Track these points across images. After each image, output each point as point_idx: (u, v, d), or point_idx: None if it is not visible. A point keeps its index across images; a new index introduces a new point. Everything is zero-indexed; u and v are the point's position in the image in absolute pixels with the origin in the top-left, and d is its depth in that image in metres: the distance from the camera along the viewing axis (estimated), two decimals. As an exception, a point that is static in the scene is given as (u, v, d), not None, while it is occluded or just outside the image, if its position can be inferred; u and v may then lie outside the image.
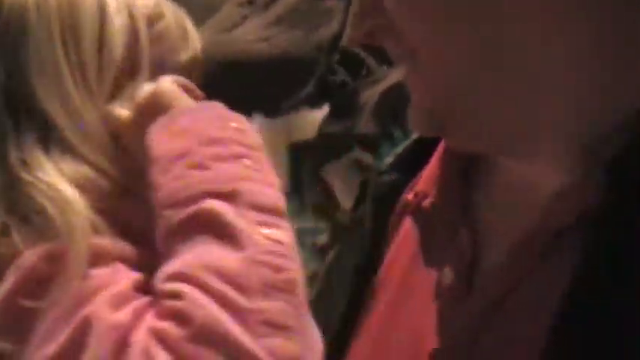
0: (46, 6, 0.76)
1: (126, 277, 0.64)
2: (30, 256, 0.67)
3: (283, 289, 0.60)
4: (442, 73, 0.55)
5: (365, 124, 2.87)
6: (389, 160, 0.72)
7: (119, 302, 0.64)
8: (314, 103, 3.11)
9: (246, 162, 0.63)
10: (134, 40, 0.77)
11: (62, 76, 0.74)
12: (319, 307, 0.68)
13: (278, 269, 0.60)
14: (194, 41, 0.84)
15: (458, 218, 0.60)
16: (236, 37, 2.53)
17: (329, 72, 3.02)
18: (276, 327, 0.58)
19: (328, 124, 2.97)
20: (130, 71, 0.77)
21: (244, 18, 2.65)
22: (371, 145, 3.04)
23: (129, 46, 0.76)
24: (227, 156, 0.63)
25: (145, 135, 0.69)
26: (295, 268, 0.62)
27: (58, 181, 0.69)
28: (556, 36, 0.48)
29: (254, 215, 0.61)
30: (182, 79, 0.75)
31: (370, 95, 3.01)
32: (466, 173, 0.63)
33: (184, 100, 0.71)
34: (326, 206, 2.93)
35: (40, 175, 0.70)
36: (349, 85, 3.19)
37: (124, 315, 0.63)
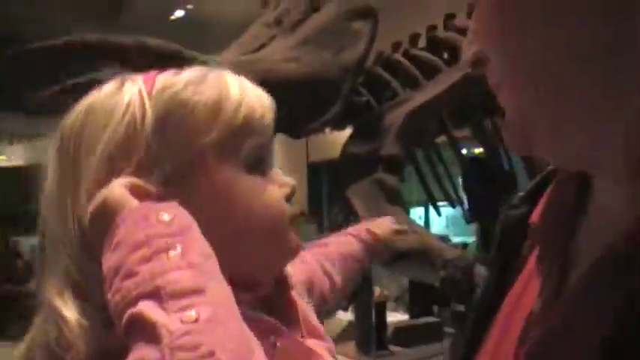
0: (71, 126, 0.83)
1: None
2: None
3: None
4: (516, 97, 0.57)
5: (389, 146, 2.88)
6: (521, 194, 0.76)
7: None
8: (337, 123, 3.13)
9: (170, 253, 0.68)
10: (131, 143, 0.80)
11: (64, 187, 0.81)
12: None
13: (194, 347, 0.62)
14: (233, 113, 0.83)
15: (551, 251, 0.63)
16: (263, 56, 2.56)
17: (354, 93, 3.04)
18: None
19: (353, 145, 2.98)
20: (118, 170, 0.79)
21: (271, 38, 2.67)
22: (395, 166, 3.05)
23: (124, 148, 0.80)
24: (151, 255, 0.67)
25: (100, 248, 0.73)
26: (212, 338, 0.64)
27: (67, 311, 0.77)
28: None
29: (174, 304, 0.65)
30: (134, 180, 0.77)
31: (395, 117, 3.02)
32: (569, 206, 0.64)
33: (129, 205, 0.74)
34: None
35: (56, 303, 0.78)
36: (374, 107, 3.21)
37: None
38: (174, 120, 0.81)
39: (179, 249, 0.68)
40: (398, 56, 3.24)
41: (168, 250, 0.68)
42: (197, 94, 0.82)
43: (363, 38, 2.70)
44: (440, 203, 3.51)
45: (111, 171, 0.78)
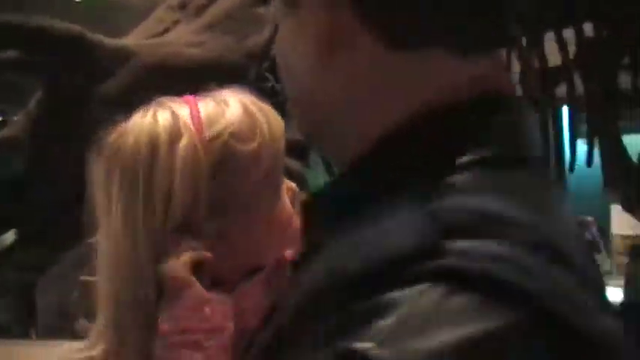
0: (135, 160, 0.98)
1: None
2: None
3: None
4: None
5: (293, 132, 2.89)
6: None
7: None
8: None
9: (197, 356, 0.88)
10: (197, 192, 0.95)
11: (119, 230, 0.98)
12: None
13: None
14: (270, 153, 0.99)
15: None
16: (167, 40, 2.54)
17: (259, 79, 3.06)
18: None
19: (257, 131, 2.98)
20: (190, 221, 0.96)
21: (175, 22, 2.65)
22: (300, 152, 3.09)
23: (191, 200, 0.94)
24: (188, 345, 0.89)
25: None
26: None
27: (100, 346, 0.98)
28: None
29: None
30: (197, 255, 0.94)
31: (299, 103, 3.04)
32: None
33: (190, 287, 0.91)
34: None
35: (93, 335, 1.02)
36: (279, 93, 3.21)
37: None
38: (226, 170, 0.96)
39: (205, 345, 0.89)
40: (303, 43, 3.27)
41: (198, 348, 0.88)
42: (241, 142, 0.98)
43: (268, 24, 2.72)
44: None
45: (184, 220, 0.94)
